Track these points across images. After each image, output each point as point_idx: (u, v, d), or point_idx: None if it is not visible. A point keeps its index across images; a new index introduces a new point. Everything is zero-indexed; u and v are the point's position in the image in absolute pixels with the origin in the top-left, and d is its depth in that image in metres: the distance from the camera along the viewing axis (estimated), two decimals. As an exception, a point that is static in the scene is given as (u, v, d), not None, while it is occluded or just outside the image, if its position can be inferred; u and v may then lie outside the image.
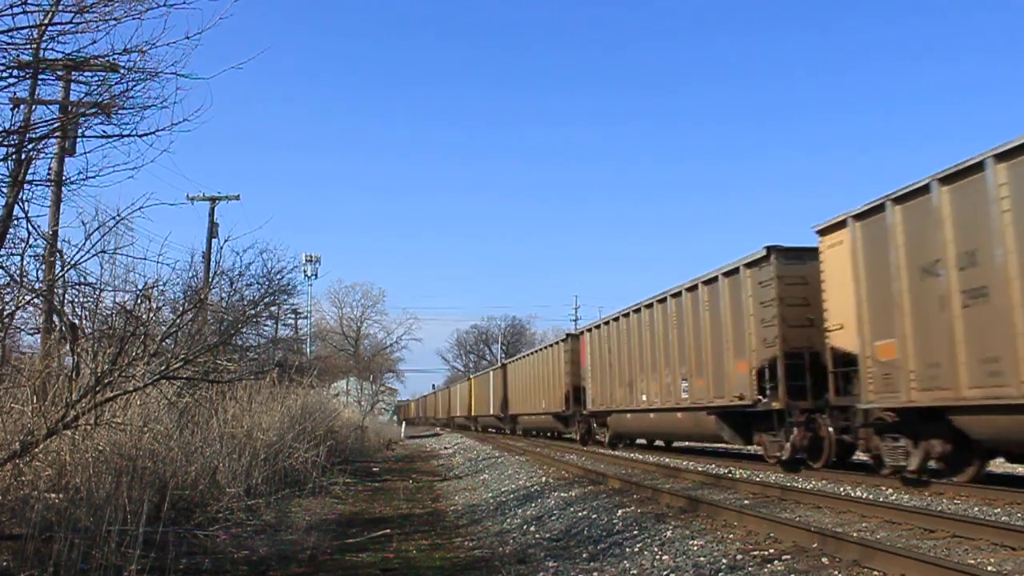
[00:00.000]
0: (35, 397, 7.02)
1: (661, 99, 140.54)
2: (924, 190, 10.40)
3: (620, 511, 9.36)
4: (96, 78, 6.66)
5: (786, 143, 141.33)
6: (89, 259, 7.10)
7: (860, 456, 14.35)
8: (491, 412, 43.13)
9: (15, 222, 6.74)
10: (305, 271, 47.83)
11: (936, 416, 10.38)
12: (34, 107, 6.80)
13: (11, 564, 5.62)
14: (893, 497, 10.27)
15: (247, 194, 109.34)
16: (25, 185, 6.57)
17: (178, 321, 8.34)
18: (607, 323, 23.63)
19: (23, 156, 6.40)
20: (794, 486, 11.29)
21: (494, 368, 45.68)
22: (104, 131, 6.50)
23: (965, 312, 9.69)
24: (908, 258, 10.72)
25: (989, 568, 5.80)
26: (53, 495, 6.44)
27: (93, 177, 6.62)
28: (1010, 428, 9.35)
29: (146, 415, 8.61)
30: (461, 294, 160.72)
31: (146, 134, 6.41)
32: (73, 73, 7.33)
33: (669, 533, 7.70)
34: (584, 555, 7.55)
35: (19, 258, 7.07)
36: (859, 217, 11.75)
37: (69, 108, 7.90)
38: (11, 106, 6.53)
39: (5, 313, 7.07)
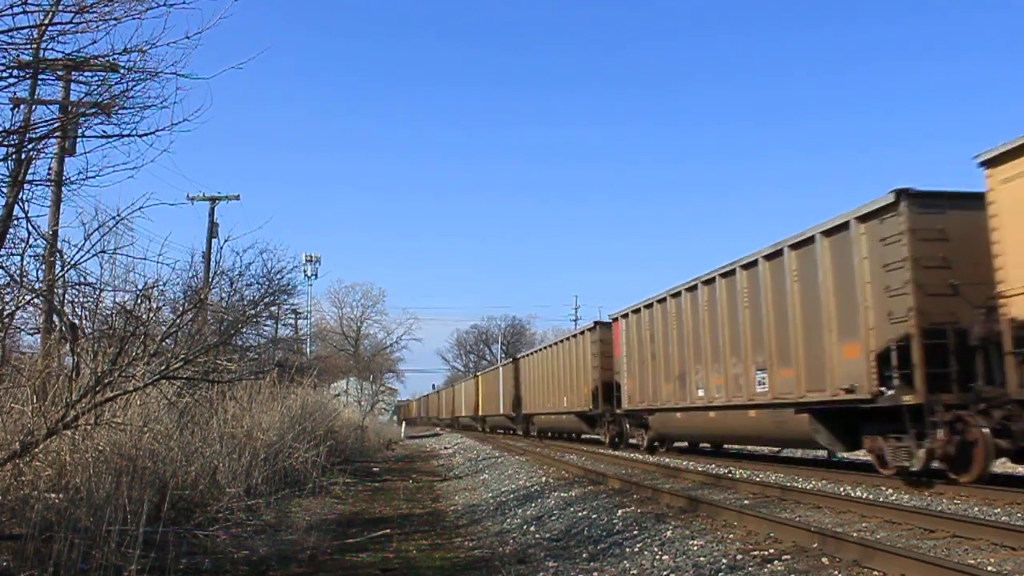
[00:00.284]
0: (35, 397, 7.02)
1: (661, 99, 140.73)
2: None
3: (620, 511, 9.36)
4: (96, 78, 6.67)
5: (786, 143, 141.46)
6: (89, 259, 7.11)
7: (861, 456, 14.30)
8: (501, 411, 39.80)
9: (15, 222, 6.76)
10: (305, 271, 47.82)
11: None
12: (34, 107, 6.81)
13: (11, 564, 5.62)
14: (893, 497, 10.26)
15: (247, 194, 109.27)
16: (25, 185, 6.58)
17: (178, 321, 8.35)
18: (649, 306, 20.08)
19: (23, 156, 6.41)
20: (794, 486, 11.29)
21: (504, 363, 41.66)
22: (104, 131, 6.51)
23: None
24: None
25: (989, 568, 5.80)
26: (53, 495, 6.44)
27: (93, 177, 6.63)
28: None
29: (146, 415, 8.61)
30: (461, 294, 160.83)
31: (146, 134, 6.42)
32: (73, 73, 7.33)
33: (669, 533, 7.70)
34: (584, 555, 7.55)
35: (19, 258, 7.09)
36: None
37: (69, 108, 7.90)
38: (11, 106, 6.54)
39: (5, 313, 7.07)
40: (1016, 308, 9.27)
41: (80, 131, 6.75)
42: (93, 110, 6.46)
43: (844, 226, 11.93)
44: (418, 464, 22.64)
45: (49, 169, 7.74)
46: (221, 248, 22.29)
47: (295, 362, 26.55)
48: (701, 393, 16.89)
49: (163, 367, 7.38)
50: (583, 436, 30.02)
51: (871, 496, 10.31)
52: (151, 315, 8.19)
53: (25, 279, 7.20)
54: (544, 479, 14.00)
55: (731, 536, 7.43)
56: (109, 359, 6.89)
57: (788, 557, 6.33)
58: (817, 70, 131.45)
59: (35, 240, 7.37)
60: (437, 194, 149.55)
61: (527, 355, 35.57)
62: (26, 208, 6.89)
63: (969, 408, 10.15)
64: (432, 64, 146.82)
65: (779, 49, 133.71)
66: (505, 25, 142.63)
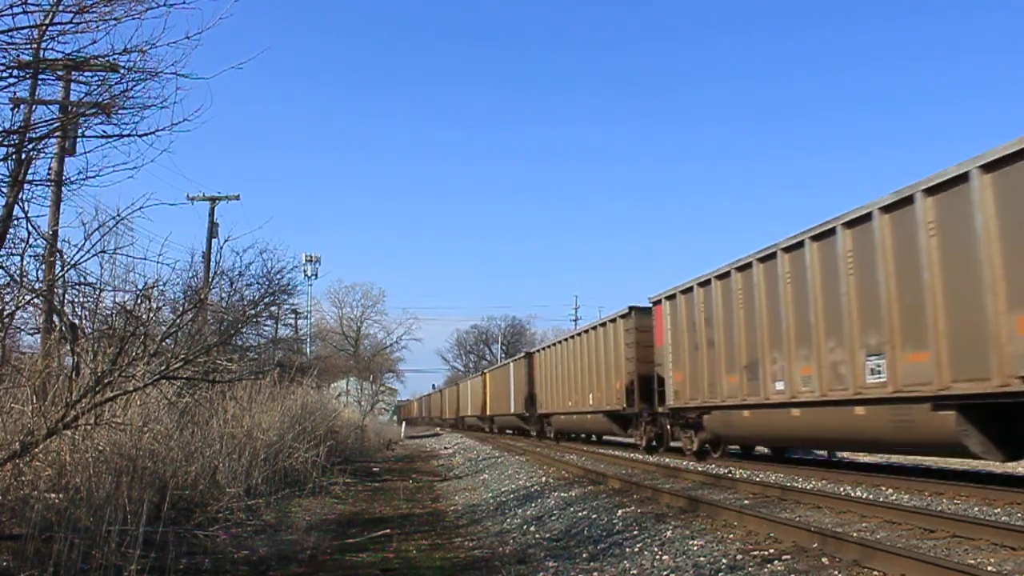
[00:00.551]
0: (35, 397, 7.02)
1: (661, 99, 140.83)
2: None
3: (620, 511, 9.36)
4: (96, 78, 6.67)
5: (786, 143, 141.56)
6: (89, 259, 7.11)
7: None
8: (512, 411, 36.57)
9: (15, 222, 6.76)
10: (305, 271, 47.92)
11: None
12: (34, 107, 6.81)
13: (11, 564, 5.62)
14: (893, 497, 10.27)
15: (247, 194, 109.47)
16: (25, 185, 6.58)
17: (178, 321, 8.34)
18: (704, 283, 16.83)
19: (23, 156, 6.41)
20: (794, 486, 11.29)
21: (516, 359, 38.03)
22: (104, 131, 6.51)
23: None
24: None
25: (989, 568, 5.80)
26: (53, 495, 6.44)
27: (93, 177, 6.64)
28: None
29: (146, 415, 8.61)
30: (461, 294, 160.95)
31: (146, 134, 6.43)
32: (73, 73, 7.34)
33: (669, 533, 7.70)
34: (584, 555, 7.55)
35: (19, 258, 7.09)
36: None
37: (69, 108, 7.90)
38: (11, 106, 6.55)
39: (5, 313, 7.07)
40: None
41: (80, 131, 6.76)
42: (93, 110, 6.46)
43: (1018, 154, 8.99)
44: (418, 464, 22.64)
45: (49, 169, 7.76)
46: (221, 248, 22.45)
47: (295, 362, 26.55)
48: (780, 386, 13.83)
49: (163, 367, 7.38)
50: (604, 438, 28.00)
51: (871, 496, 10.31)
52: (151, 315, 8.19)
53: (25, 279, 7.21)
54: (544, 479, 14.00)
55: (731, 536, 7.43)
56: (109, 359, 6.89)
57: (788, 557, 6.33)
58: (817, 70, 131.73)
59: (35, 240, 7.38)
60: (437, 194, 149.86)
61: (543, 349, 32.39)
62: (26, 208, 6.90)
63: None
64: (432, 64, 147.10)
65: (779, 49, 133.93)
66: (505, 25, 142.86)
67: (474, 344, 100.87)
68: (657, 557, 6.90)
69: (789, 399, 13.54)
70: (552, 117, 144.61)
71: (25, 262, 7.16)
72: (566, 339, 28.43)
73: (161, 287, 8.88)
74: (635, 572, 6.62)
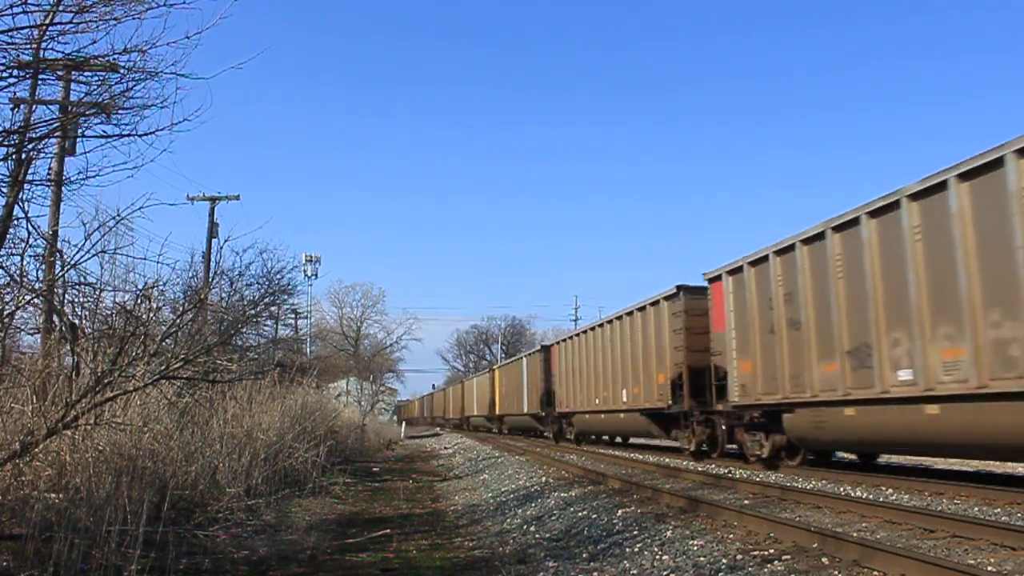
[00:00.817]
0: (35, 397, 7.02)
1: (661, 99, 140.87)
2: None
3: (620, 511, 9.36)
4: (96, 78, 6.67)
5: (786, 143, 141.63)
6: (89, 259, 7.11)
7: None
8: (525, 410, 33.50)
9: (15, 222, 6.75)
10: (305, 271, 47.86)
11: None
12: (34, 107, 6.81)
13: (11, 564, 5.62)
14: (893, 497, 10.27)
15: (247, 194, 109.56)
16: (25, 185, 6.58)
17: (178, 321, 8.34)
18: (782, 251, 13.81)
19: (23, 156, 6.41)
20: (794, 486, 11.29)
21: (530, 353, 34.70)
22: (104, 131, 6.51)
23: None
24: None
25: (989, 568, 5.80)
26: (53, 495, 6.44)
27: (93, 177, 6.64)
28: None
29: (146, 415, 8.61)
30: (461, 294, 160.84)
31: (146, 134, 6.43)
32: (73, 73, 7.33)
33: (669, 533, 7.70)
34: (584, 555, 7.55)
35: (19, 258, 7.09)
36: None
37: (69, 108, 7.89)
38: (11, 106, 6.55)
39: (5, 313, 7.07)
40: None
41: (80, 131, 6.76)
42: (93, 110, 6.46)
43: None
44: (418, 464, 22.64)
45: (49, 169, 7.76)
46: (221, 248, 22.45)
47: (295, 362, 26.55)
48: (905, 375, 10.75)
49: (163, 367, 7.38)
50: (631, 441, 25.21)
51: (871, 496, 10.31)
52: (151, 315, 8.19)
53: (25, 279, 7.20)
54: (544, 479, 14.00)
55: (731, 536, 7.43)
56: (109, 359, 6.89)
57: (788, 557, 6.33)
58: (817, 70, 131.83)
59: (35, 240, 7.37)
60: (437, 194, 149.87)
61: (563, 340, 28.99)
62: (26, 208, 6.89)
63: None
64: (432, 64, 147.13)
65: (779, 49, 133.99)
66: (505, 25, 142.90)
67: (474, 344, 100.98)
68: (657, 557, 6.90)
69: (923, 392, 10.43)
70: (552, 117, 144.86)
71: (25, 262, 7.16)
72: (593, 327, 24.81)
73: (161, 287, 8.88)
74: (635, 572, 6.62)
